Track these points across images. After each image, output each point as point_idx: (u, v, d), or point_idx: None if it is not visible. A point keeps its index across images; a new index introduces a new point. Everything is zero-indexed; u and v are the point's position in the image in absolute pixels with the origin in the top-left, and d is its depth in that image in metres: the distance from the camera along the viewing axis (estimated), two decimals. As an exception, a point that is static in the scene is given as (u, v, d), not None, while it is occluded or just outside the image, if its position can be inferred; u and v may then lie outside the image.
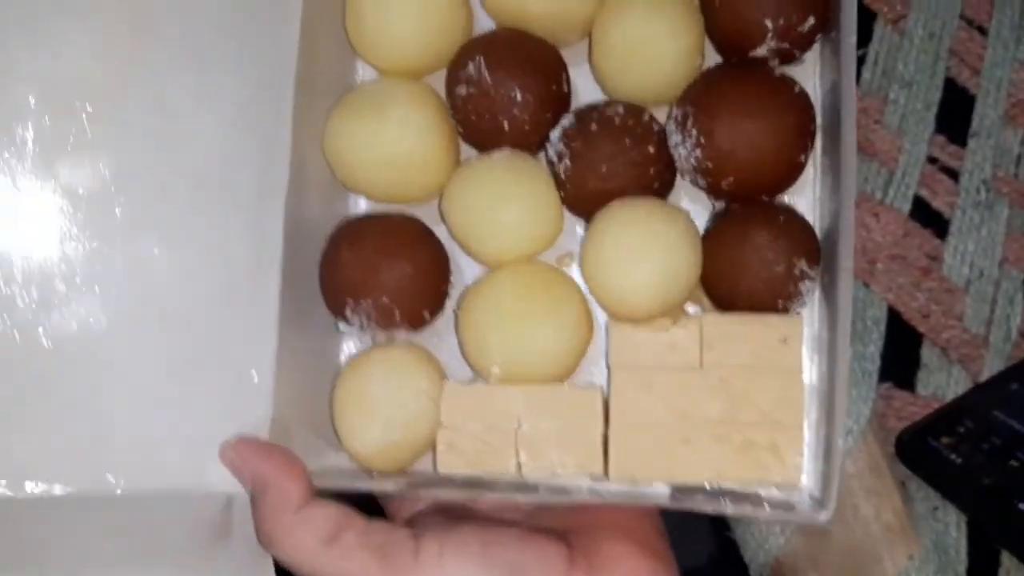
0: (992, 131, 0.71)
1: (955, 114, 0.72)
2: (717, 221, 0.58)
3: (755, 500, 0.54)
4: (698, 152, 0.55)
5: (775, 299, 0.54)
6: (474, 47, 0.59)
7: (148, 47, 0.62)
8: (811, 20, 0.54)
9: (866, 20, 0.73)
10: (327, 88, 0.61)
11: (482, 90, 0.58)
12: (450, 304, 0.61)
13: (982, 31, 0.72)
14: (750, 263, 0.55)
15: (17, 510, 0.59)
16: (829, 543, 0.67)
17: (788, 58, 0.57)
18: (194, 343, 0.60)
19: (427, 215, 0.61)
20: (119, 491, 0.58)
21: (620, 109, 0.58)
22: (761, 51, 0.56)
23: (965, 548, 0.66)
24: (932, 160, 0.72)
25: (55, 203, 0.61)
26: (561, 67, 0.60)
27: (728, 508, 0.52)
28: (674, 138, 0.56)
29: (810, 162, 0.57)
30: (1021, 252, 0.70)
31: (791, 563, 0.67)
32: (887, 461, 0.69)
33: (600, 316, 0.59)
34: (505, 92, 0.57)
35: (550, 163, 0.59)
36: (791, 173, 0.56)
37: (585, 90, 0.61)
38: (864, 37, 0.73)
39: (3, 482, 0.59)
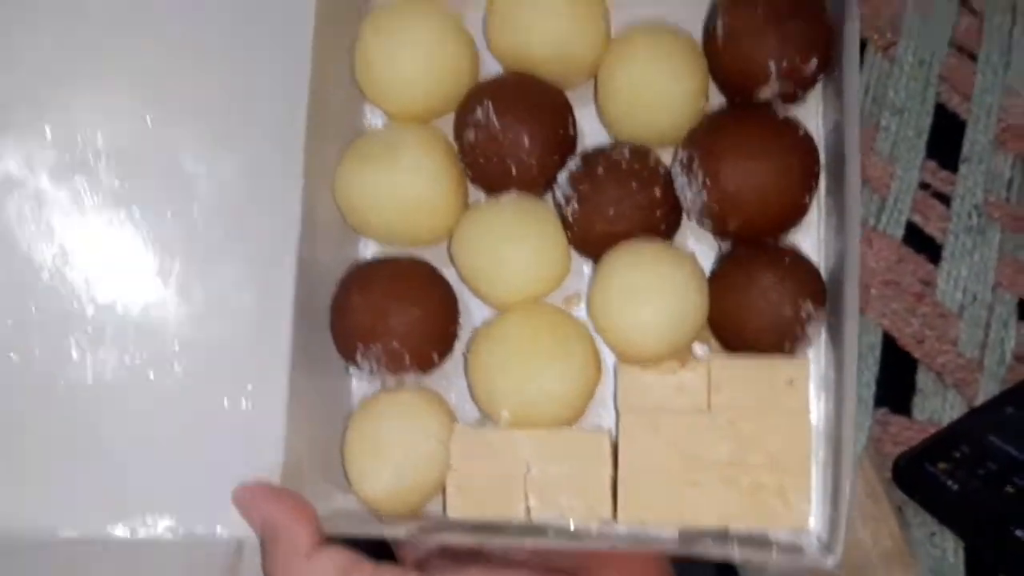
0: (983, 156, 0.71)
1: (946, 140, 0.72)
2: (723, 263, 0.58)
3: (762, 543, 0.54)
4: (704, 194, 0.55)
5: (782, 341, 0.55)
6: (482, 92, 0.59)
7: (161, 100, 0.63)
8: (814, 62, 0.55)
9: (857, 47, 0.73)
10: (337, 132, 0.62)
11: (490, 135, 0.58)
12: (459, 345, 0.61)
13: (972, 57, 0.72)
14: (757, 306, 0.55)
15: (29, 553, 0.60)
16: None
17: (791, 99, 0.57)
18: (206, 388, 0.61)
19: (436, 256, 0.62)
20: (130, 535, 0.59)
21: (626, 152, 0.58)
22: (765, 93, 0.56)
23: (963, 574, 0.67)
24: (924, 186, 0.72)
25: (70, 254, 0.62)
26: (567, 110, 0.60)
27: (736, 553, 0.53)
28: (680, 180, 0.57)
29: (814, 201, 0.57)
30: (1014, 276, 0.70)
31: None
32: (884, 486, 0.69)
33: (608, 357, 0.59)
34: (513, 136, 0.58)
35: (557, 205, 0.59)
36: (796, 214, 0.56)
37: (590, 130, 0.62)
38: (855, 64, 0.73)
39: (16, 525, 0.60)
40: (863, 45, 0.74)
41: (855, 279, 0.52)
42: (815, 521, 0.55)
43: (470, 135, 0.59)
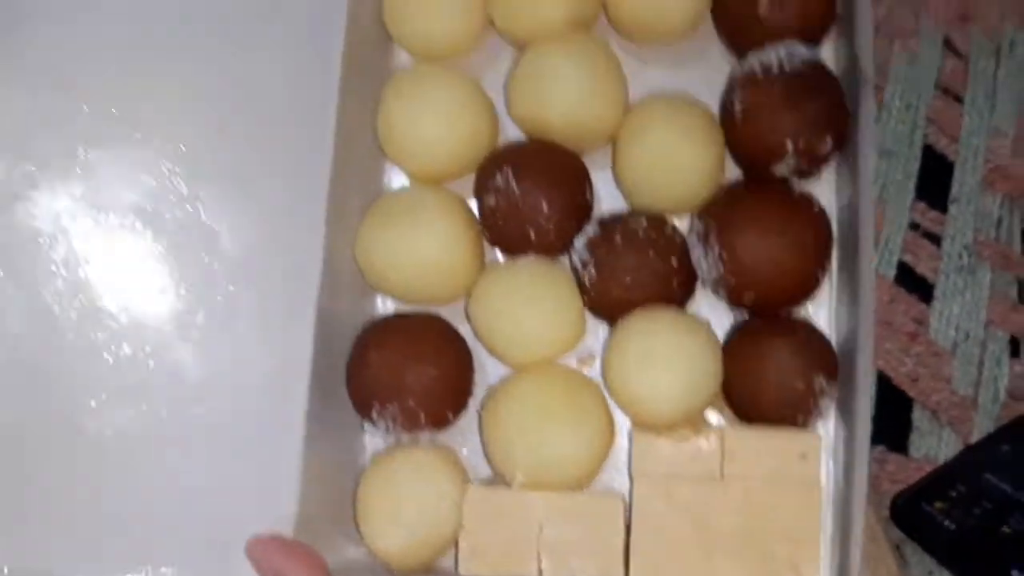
0: (971, 197, 0.72)
1: (935, 181, 0.73)
2: (737, 333, 0.59)
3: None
4: (720, 266, 0.56)
5: (795, 414, 0.56)
6: (502, 158, 0.61)
7: (188, 159, 0.65)
8: (829, 141, 0.56)
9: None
10: (358, 190, 0.63)
11: (510, 200, 0.59)
12: (472, 402, 0.62)
13: (958, 100, 0.73)
14: (771, 378, 0.56)
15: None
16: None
17: (806, 174, 0.58)
18: (223, 440, 0.62)
19: (451, 312, 0.63)
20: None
21: (644, 222, 0.59)
22: (781, 169, 0.57)
23: (961, 613, 0.68)
24: (914, 226, 0.73)
25: (95, 307, 0.63)
26: (585, 176, 0.62)
27: None
28: (696, 251, 0.58)
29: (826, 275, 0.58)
30: (1005, 314, 0.71)
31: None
32: (882, 525, 0.70)
33: (620, 419, 0.60)
34: (532, 203, 0.59)
35: (574, 269, 0.60)
36: (809, 288, 0.57)
37: (606, 194, 0.64)
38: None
39: (31, 571, 0.60)
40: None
41: (869, 356, 0.53)
42: (824, 591, 0.56)
43: (490, 200, 0.60)
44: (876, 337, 0.71)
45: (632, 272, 0.59)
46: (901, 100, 0.74)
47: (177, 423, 0.63)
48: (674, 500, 0.56)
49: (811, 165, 0.58)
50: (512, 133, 0.65)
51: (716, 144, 0.60)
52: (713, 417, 0.60)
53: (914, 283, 0.73)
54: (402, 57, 0.68)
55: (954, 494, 0.69)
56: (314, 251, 0.59)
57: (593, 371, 0.62)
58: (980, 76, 0.73)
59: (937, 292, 0.72)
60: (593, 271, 0.59)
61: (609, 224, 0.60)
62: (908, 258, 0.73)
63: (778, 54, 0.59)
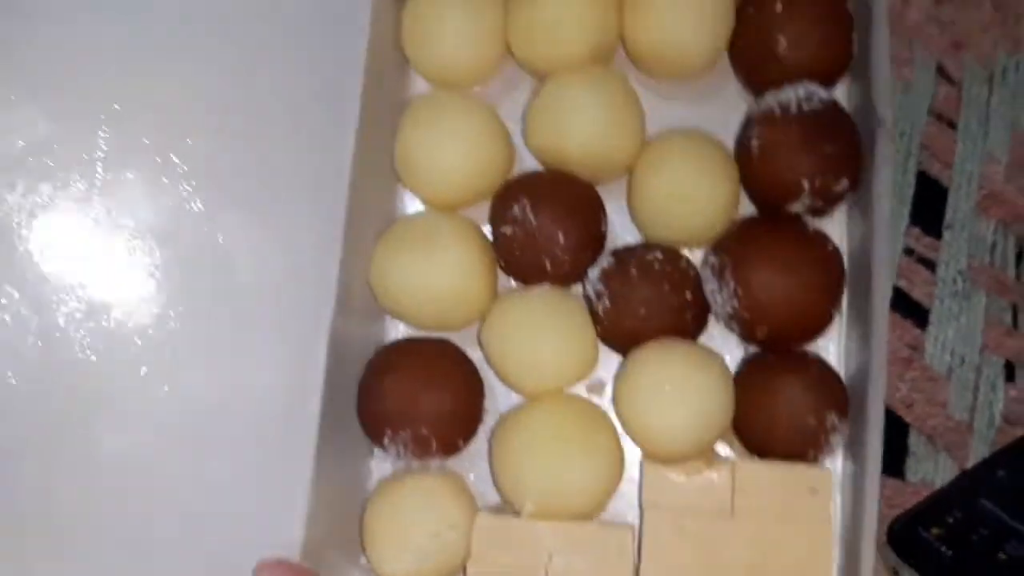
0: (965, 222, 0.73)
1: (929, 207, 0.74)
2: (749, 366, 0.60)
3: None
4: (735, 301, 0.57)
5: (806, 449, 0.56)
6: (519, 188, 0.61)
7: (207, 181, 0.65)
8: (844, 182, 0.56)
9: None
10: (374, 214, 0.64)
11: (527, 231, 0.59)
12: (482, 428, 0.63)
13: (951, 126, 0.74)
14: (783, 413, 0.57)
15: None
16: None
17: (820, 213, 0.58)
18: (232, 464, 0.63)
19: (461, 336, 0.63)
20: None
21: (659, 254, 0.59)
22: (795, 207, 0.57)
23: (958, 639, 0.69)
24: (909, 252, 0.73)
25: (109, 329, 0.63)
26: (600, 208, 0.62)
27: None
28: (710, 285, 0.58)
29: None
30: (1000, 339, 0.72)
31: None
32: (880, 549, 0.71)
33: (629, 449, 0.61)
34: (549, 234, 0.60)
35: (587, 299, 0.60)
36: (822, 325, 0.58)
37: (619, 224, 0.64)
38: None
39: None
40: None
41: (880, 395, 0.53)
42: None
43: (506, 230, 0.60)
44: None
45: (647, 304, 0.59)
46: (895, 127, 0.74)
47: (188, 446, 0.64)
48: (684, 532, 0.56)
49: (826, 204, 0.59)
50: (528, 160, 0.66)
51: (731, 179, 0.61)
52: (722, 449, 0.60)
53: (909, 308, 0.73)
54: (418, 83, 0.69)
55: (951, 520, 0.69)
56: (329, 275, 0.60)
57: (602, 399, 0.62)
58: (973, 103, 0.73)
59: (932, 317, 0.72)
60: (607, 302, 0.60)
61: (624, 256, 0.61)
62: (903, 283, 0.73)
63: (796, 94, 0.60)
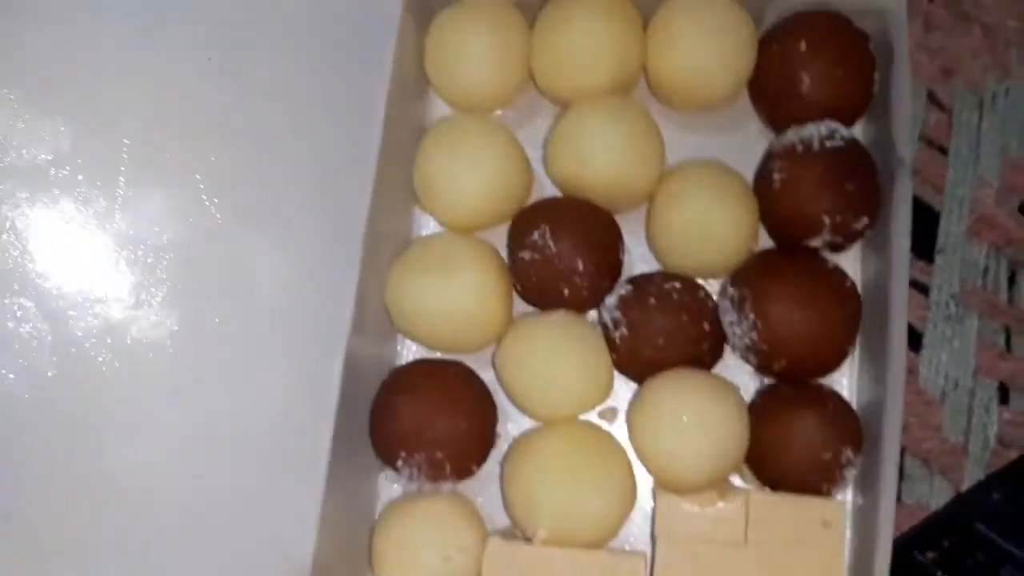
0: (957, 246, 0.73)
1: (921, 231, 0.74)
2: (764, 398, 0.60)
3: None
4: (753, 334, 0.57)
5: (820, 483, 0.57)
6: (539, 215, 0.61)
7: (223, 205, 0.66)
8: (864, 220, 0.57)
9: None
10: (391, 235, 0.64)
11: (546, 257, 0.60)
12: (493, 452, 0.63)
13: (943, 151, 0.74)
14: (799, 447, 0.57)
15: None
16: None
17: (838, 248, 0.59)
18: (244, 482, 0.63)
19: (473, 359, 0.64)
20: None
21: (677, 284, 0.60)
22: (815, 242, 0.58)
23: (954, 663, 0.69)
24: (902, 276, 0.74)
25: (125, 346, 0.64)
26: (618, 236, 0.63)
27: None
28: (729, 316, 0.59)
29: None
30: (993, 361, 0.72)
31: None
32: (877, 572, 0.71)
33: (641, 476, 0.61)
34: (568, 261, 0.60)
35: (604, 326, 0.61)
36: (838, 360, 0.59)
37: (636, 253, 0.65)
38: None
39: None
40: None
41: (897, 433, 0.54)
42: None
43: (525, 255, 0.60)
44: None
45: (665, 334, 0.60)
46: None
47: (200, 462, 0.64)
48: (697, 562, 0.56)
49: (844, 241, 0.59)
50: (546, 185, 0.66)
51: (750, 212, 0.61)
52: (735, 480, 0.61)
53: (903, 332, 0.74)
54: (438, 106, 0.69)
55: (946, 544, 0.69)
56: (345, 294, 0.60)
57: (612, 426, 0.63)
58: (964, 128, 0.74)
59: (926, 341, 0.73)
60: (625, 330, 0.60)
61: (642, 284, 0.61)
62: (897, 308, 0.74)
63: (819, 131, 0.60)
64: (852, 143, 0.62)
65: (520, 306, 0.65)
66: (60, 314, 0.66)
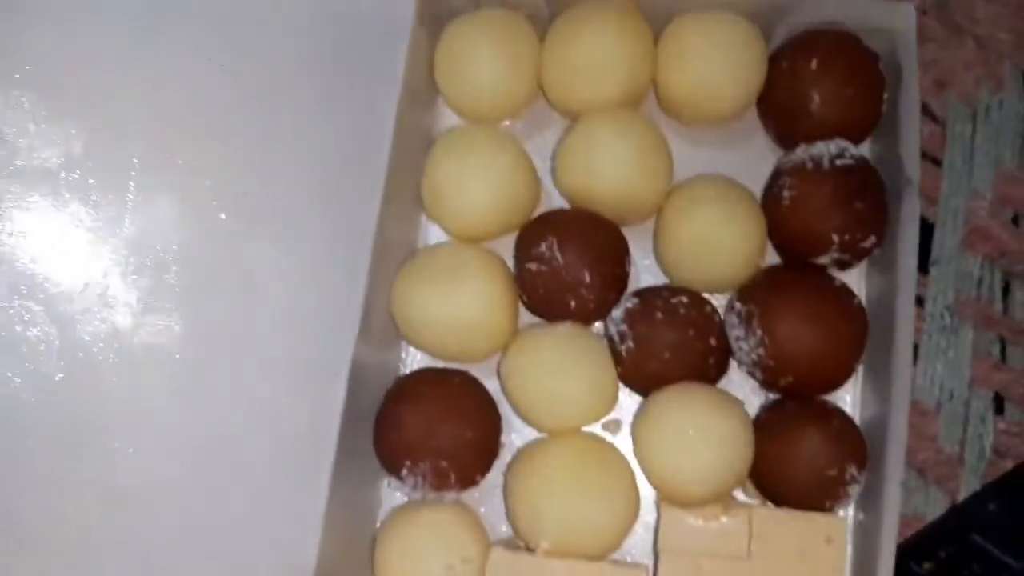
0: (952, 258, 0.74)
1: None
2: (769, 414, 0.60)
3: None
4: (760, 350, 0.57)
5: (823, 499, 0.57)
6: (547, 226, 0.61)
7: (232, 212, 0.65)
8: (872, 239, 0.57)
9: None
10: (399, 244, 0.64)
11: (553, 269, 0.59)
12: (496, 462, 0.62)
13: (937, 163, 0.75)
14: (804, 463, 0.57)
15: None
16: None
17: (845, 266, 0.59)
18: (248, 489, 0.62)
19: (478, 368, 0.63)
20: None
21: (684, 299, 0.60)
22: (822, 260, 0.58)
23: (950, 674, 0.70)
24: (897, 288, 0.74)
25: (131, 355, 0.63)
26: (625, 248, 0.63)
27: None
28: (736, 332, 0.59)
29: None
30: (988, 372, 0.73)
31: None
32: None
33: (644, 488, 0.61)
34: (576, 273, 0.60)
35: (610, 339, 0.60)
36: (844, 377, 0.59)
37: (642, 266, 0.65)
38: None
39: None
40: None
41: (902, 452, 0.54)
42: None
43: (532, 266, 0.60)
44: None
45: (671, 348, 0.60)
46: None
47: (204, 468, 0.64)
48: (700, 576, 0.56)
49: (852, 258, 0.59)
50: (554, 196, 0.66)
51: (758, 227, 0.61)
52: (739, 495, 0.61)
53: (898, 343, 0.74)
54: (447, 116, 0.69)
55: (943, 554, 0.70)
56: (352, 302, 0.59)
57: (617, 437, 0.62)
58: (957, 140, 0.75)
59: (921, 352, 0.73)
60: (631, 343, 0.60)
61: (649, 298, 0.61)
62: (892, 319, 0.74)
63: (828, 149, 0.60)
64: (862, 162, 0.62)
65: (526, 317, 0.65)
66: (68, 318, 0.65)
